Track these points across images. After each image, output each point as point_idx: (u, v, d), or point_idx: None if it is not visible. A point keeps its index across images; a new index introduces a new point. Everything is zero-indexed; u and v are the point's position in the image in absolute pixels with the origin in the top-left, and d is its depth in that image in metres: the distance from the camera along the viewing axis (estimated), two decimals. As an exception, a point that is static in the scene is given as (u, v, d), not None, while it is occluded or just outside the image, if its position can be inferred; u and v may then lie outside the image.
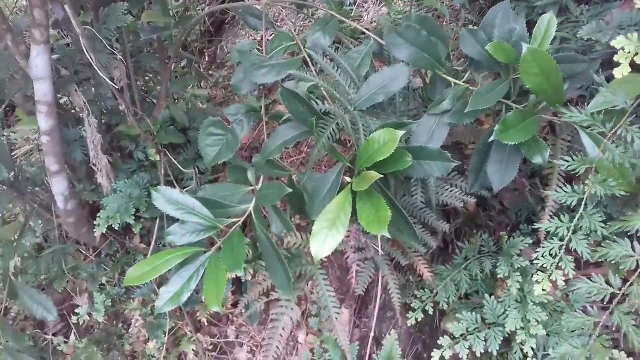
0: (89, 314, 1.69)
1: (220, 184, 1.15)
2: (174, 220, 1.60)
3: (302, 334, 1.48)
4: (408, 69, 1.03)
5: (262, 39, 2.74)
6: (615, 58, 0.66)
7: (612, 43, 0.67)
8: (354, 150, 1.03)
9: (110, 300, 1.69)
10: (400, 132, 0.89)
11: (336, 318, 1.07)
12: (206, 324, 1.69)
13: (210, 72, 2.63)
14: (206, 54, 2.86)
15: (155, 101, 1.87)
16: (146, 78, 2.02)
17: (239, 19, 2.81)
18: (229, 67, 2.66)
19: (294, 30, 2.34)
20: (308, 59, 1.10)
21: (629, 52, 0.64)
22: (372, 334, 1.19)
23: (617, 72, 0.65)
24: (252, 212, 1.08)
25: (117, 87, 1.47)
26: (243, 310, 1.14)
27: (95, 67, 1.30)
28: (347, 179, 0.98)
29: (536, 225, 1.04)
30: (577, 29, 1.35)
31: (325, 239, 0.91)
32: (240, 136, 1.10)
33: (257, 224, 1.05)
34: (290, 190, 1.00)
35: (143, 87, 1.98)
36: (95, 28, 1.33)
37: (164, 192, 1.07)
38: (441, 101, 1.09)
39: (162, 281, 1.21)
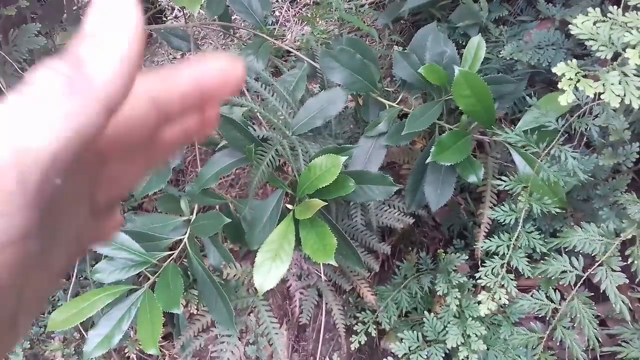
0: (6, 358, 1.54)
1: (150, 215, 1.09)
2: (95, 252, 1.50)
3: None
4: (345, 92, 1.03)
5: (182, 58, 2.67)
6: (560, 85, 0.68)
7: (553, 69, 0.69)
8: (293, 176, 1.01)
9: (28, 341, 1.55)
10: (343, 158, 0.87)
11: (282, 351, 1.04)
12: (135, 359, 1.59)
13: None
14: (123, 72, 2.74)
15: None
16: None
17: (156, 37, 2.72)
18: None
19: (217, 49, 2.29)
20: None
21: (571, 79, 0.66)
22: (317, 363, 1.16)
23: (563, 100, 0.67)
24: (187, 244, 1.03)
25: (30, 113, 1.36)
26: (183, 346, 1.08)
27: (6, 93, 1.20)
28: (288, 206, 0.96)
29: (478, 245, 1.06)
30: (498, 48, 1.41)
31: (269, 270, 0.88)
32: (173, 165, 1.05)
33: (194, 257, 1.00)
34: (229, 220, 0.96)
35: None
36: (4, 51, 1.22)
37: (90, 228, 1.00)
38: (377, 124, 1.09)
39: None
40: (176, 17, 2.36)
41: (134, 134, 0.25)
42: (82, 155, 0.20)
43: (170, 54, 2.63)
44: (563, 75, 0.67)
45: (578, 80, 0.66)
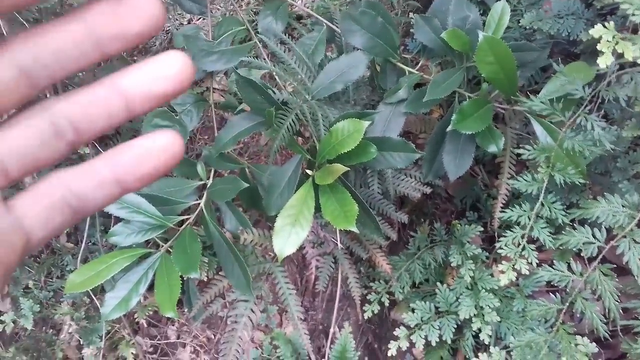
0: (14, 321, 1.55)
1: (166, 179, 1.07)
2: (104, 216, 1.48)
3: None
4: (367, 56, 1.00)
5: (189, 23, 2.62)
6: (599, 47, 0.66)
7: (590, 32, 0.68)
8: (312, 141, 0.99)
9: (38, 304, 1.56)
10: (366, 123, 0.86)
11: (298, 317, 1.04)
12: (145, 325, 1.60)
13: (134, 58, 2.49)
14: (128, 38, 2.70)
15: (79, 89, 1.73)
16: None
17: (163, 2, 2.66)
18: (154, 52, 2.54)
19: (225, 15, 2.25)
20: (260, 45, 1.05)
21: (609, 42, 0.64)
22: (332, 330, 1.16)
23: (602, 62, 0.66)
24: (204, 209, 1.02)
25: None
26: (195, 313, 1.07)
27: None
28: (308, 171, 0.94)
29: (496, 215, 1.05)
30: (516, 17, 1.38)
31: (288, 236, 0.87)
32: (190, 128, 1.03)
33: (210, 221, 0.99)
34: (247, 185, 0.94)
35: (64, 75, 1.83)
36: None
37: (106, 190, 0.98)
38: (397, 90, 1.07)
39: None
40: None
41: None
42: None
43: (177, 20, 2.59)
44: (600, 37, 0.65)
45: (617, 43, 0.64)
